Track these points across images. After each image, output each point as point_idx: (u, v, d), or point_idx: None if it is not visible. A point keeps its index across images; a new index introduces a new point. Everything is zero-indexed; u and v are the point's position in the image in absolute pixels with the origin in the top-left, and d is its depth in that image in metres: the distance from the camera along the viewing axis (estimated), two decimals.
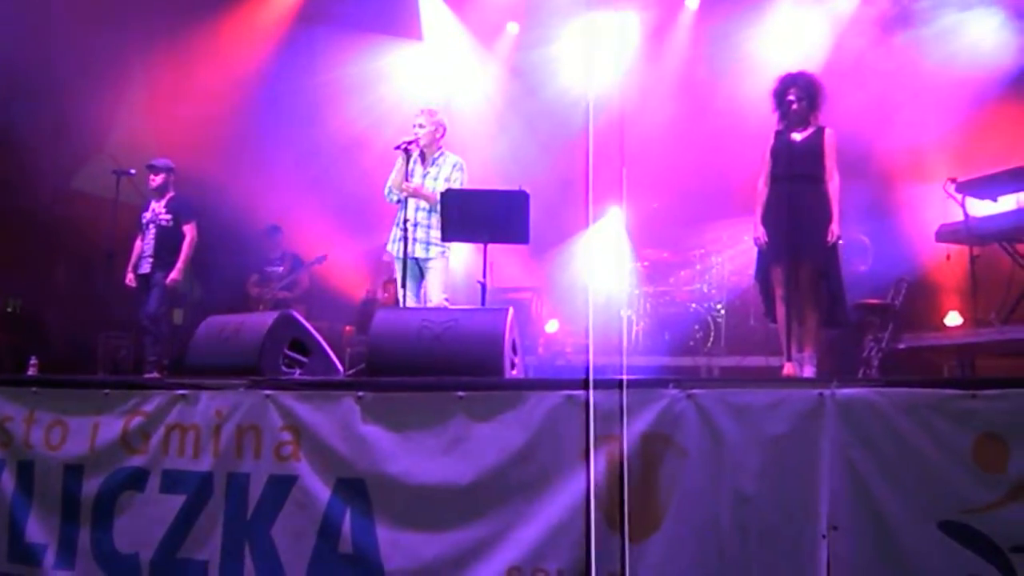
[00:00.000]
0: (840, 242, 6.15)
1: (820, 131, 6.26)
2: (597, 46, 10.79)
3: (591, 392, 3.90)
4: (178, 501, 4.52)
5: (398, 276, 6.90)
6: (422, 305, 6.86)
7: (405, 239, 6.73)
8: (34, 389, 5.09)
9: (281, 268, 10.59)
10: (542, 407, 4.03)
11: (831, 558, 3.53)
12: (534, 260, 10.30)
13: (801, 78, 6.37)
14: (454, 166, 6.98)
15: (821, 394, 3.68)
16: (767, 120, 6.54)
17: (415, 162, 6.88)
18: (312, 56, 11.03)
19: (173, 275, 8.34)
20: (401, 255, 6.75)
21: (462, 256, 8.37)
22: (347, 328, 10.46)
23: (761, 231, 6.30)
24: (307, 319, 5.70)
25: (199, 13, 10.06)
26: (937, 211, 7.30)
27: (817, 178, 6.14)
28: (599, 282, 10.17)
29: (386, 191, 7.00)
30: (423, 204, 6.90)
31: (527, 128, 10.92)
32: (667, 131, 10.38)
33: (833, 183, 6.14)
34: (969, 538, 3.39)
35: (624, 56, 10.96)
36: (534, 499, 3.94)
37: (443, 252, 6.97)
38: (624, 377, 3.92)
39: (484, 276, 6.48)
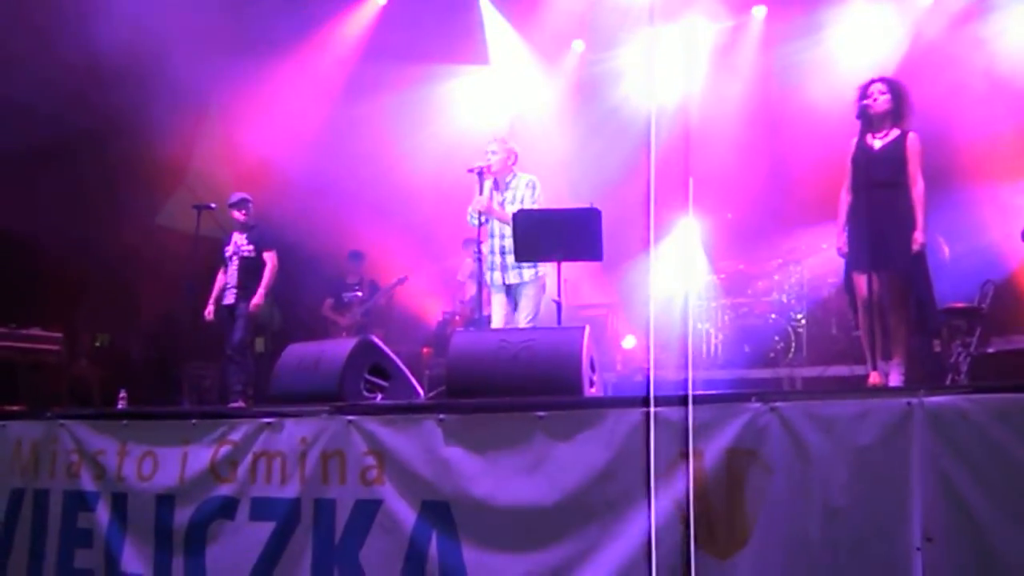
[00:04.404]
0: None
1: (903, 136, 6.09)
2: (663, 59, 10.74)
3: (652, 409, 3.86)
4: (268, 528, 4.58)
5: (494, 306, 6.95)
6: None
7: (480, 262, 6.79)
8: (124, 422, 5.22)
9: (360, 293, 10.75)
10: (623, 425, 4.00)
11: (926, 570, 3.44)
12: (608, 276, 10.26)
13: (885, 79, 6.24)
14: (527, 184, 6.99)
15: (909, 403, 3.59)
16: (841, 125, 6.42)
17: (490, 189, 6.92)
18: (382, 87, 11.17)
19: (255, 300, 8.52)
20: (491, 282, 6.88)
21: None
22: (425, 350, 10.53)
23: (842, 240, 6.19)
24: (385, 343, 5.76)
25: (272, 49, 10.26)
26: (1021, 209, 7.11)
27: (900, 184, 5.97)
28: (673, 296, 10.08)
29: (468, 215, 7.02)
30: (507, 230, 6.80)
31: (598, 144, 10.90)
32: (739, 141, 10.29)
33: (917, 189, 5.96)
34: None
35: (692, 68, 10.89)
36: (618, 518, 3.91)
37: (537, 274, 6.92)
38: (689, 393, 3.87)
39: (559, 294, 6.47)
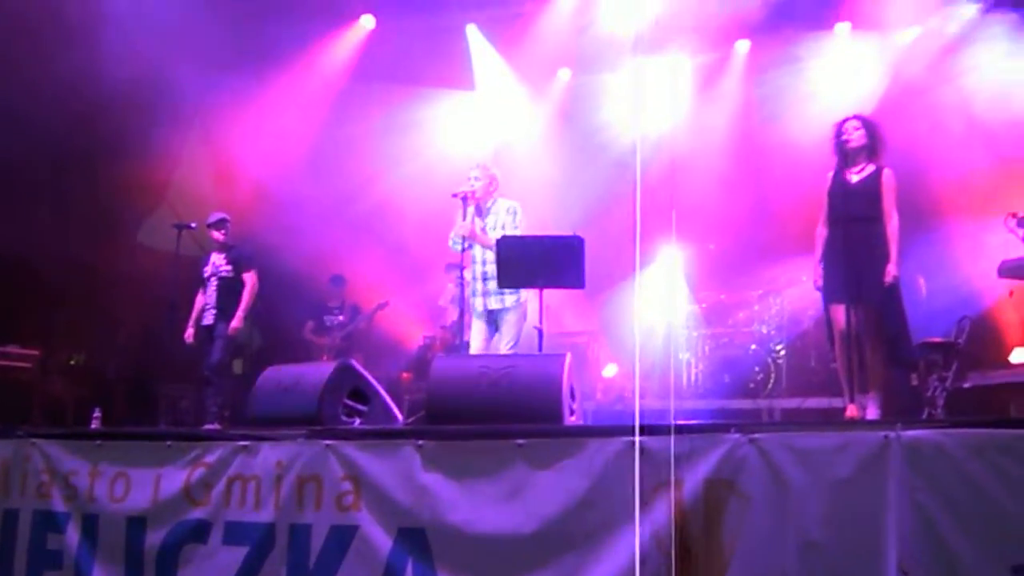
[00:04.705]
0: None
1: (878, 172, 6.18)
2: (648, 90, 10.81)
3: (637, 438, 3.86)
4: (241, 553, 4.54)
5: (473, 331, 6.94)
6: None
7: (462, 287, 6.78)
8: (98, 442, 5.16)
9: (342, 317, 10.76)
10: (602, 454, 4.00)
11: None
12: (590, 303, 10.27)
13: (859, 116, 6.36)
14: (507, 211, 6.99)
15: (887, 436, 3.61)
16: (822, 159, 6.48)
17: (472, 214, 6.93)
18: (368, 110, 11.20)
19: (234, 323, 8.47)
20: (472, 307, 6.86)
21: None
22: (405, 375, 10.50)
23: (818, 273, 6.25)
24: (365, 367, 5.74)
25: (257, 70, 10.28)
26: (996, 246, 7.19)
27: (874, 219, 6.06)
28: (655, 325, 10.10)
29: (450, 240, 7.03)
30: (489, 256, 6.82)
31: (581, 172, 10.94)
32: (721, 172, 10.36)
33: (892, 223, 6.05)
34: None
35: (676, 100, 10.98)
36: (597, 548, 3.90)
37: (519, 300, 6.91)
38: (672, 423, 3.87)
39: (540, 321, 6.47)
